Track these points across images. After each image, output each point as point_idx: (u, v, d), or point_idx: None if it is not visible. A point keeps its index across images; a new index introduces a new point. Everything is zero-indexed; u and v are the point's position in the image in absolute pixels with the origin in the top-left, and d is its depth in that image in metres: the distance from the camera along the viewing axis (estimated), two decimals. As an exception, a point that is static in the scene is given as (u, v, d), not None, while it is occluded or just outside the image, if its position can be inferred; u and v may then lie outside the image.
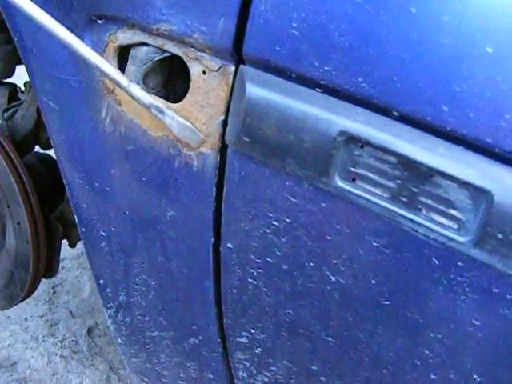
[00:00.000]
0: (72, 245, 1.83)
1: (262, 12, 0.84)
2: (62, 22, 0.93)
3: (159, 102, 0.96)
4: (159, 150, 1.02)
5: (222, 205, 0.98)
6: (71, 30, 0.93)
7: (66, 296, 2.47)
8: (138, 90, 0.95)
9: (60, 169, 1.21)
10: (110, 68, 0.93)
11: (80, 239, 1.75)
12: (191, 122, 0.96)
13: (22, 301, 1.73)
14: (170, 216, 1.06)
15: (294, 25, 0.81)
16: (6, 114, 1.78)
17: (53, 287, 2.56)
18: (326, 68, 0.80)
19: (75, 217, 1.24)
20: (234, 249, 1.00)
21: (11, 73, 1.97)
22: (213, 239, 1.03)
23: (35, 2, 0.93)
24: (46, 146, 1.83)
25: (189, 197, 1.02)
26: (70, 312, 2.43)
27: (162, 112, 0.96)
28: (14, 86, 2.00)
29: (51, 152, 1.81)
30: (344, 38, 0.78)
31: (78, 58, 1.05)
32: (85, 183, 1.16)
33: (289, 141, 0.84)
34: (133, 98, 0.95)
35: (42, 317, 2.42)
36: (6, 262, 1.67)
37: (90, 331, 2.38)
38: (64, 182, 1.21)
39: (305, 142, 0.83)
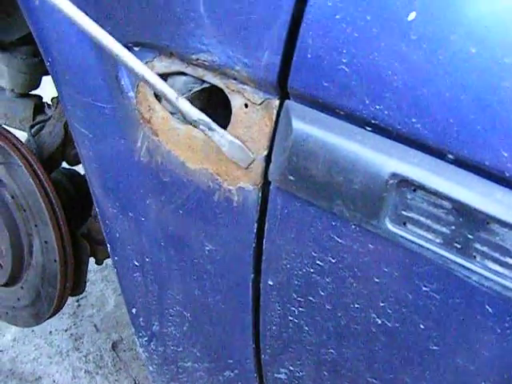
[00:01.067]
0: (99, 262, 1.81)
1: (309, 46, 0.80)
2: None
3: (210, 120, 0.90)
4: (198, 183, 0.99)
5: (264, 241, 0.95)
6: (108, 56, 0.91)
7: (91, 309, 2.46)
8: (186, 105, 0.89)
9: (92, 196, 1.18)
10: (158, 81, 0.89)
11: (107, 257, 1.73)
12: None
13: (48, 318, 1.72)
14: (208, 250, 1.03)
15: (344, 60, 0.78)
16: (32, 130, 1.77)
17: (77, 300, 2.55)
18: (377, 107, 0.77)
19: (108, 245, 1.21)
20: (274, 286, 0.97)
21: (37, 85, 1.97)
22: (253, 275, 1.00)
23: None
24: (73, 162, 1.81)
25: (228, 231, 0.99)
26: (95, 326, 2.42)
27: (211, 129, 0.90)
28: (40, 98, 1.99)
29: (77, 168, 1.80)
30: (398, 77, 0.75)
31: (112, 84, 1.03)
32: (118, 212, 1.14)
33: (337, 182, 0.81)
34: (181, 113, 0.90)
35: (66, 331, 2.41)
36: (33, 280, 1.66)
37: (114, 346, 2.37)
38: (97, 209, 1.18)
39: (354, 184, 0.80)
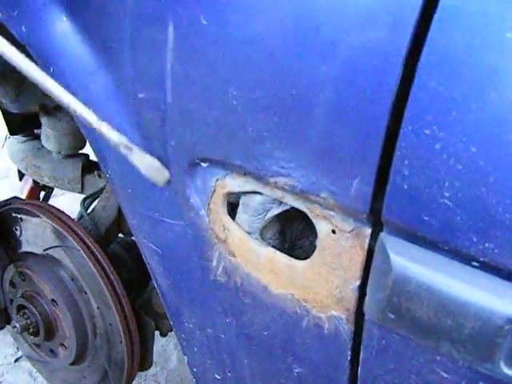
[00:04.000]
0: (163, 335, 1.77)
1: (405, 177, 0.73)
2: (164, 163, 0.92)
3: (127, 141, 0.90)
4: (283, 308, 0.92)
5: (359, 369, 0.88)
6: (174, 172, 0.91)
7: (154, 368, 2.37)
8: (105, 128, 0.90)
9: (167, 311, 1.12)
10: (80, 106, 0.89)
11: (171, 330, 1.69)
12: (321, 285, 0.86)
13: (117, 396, 1.67)
14: (297, 372, 0.97)
15: (447, 194, 0.71)
16: (85, 202, 1.72)
17: (140, 359, 2.47)
18: (486, 245, 0.69)
19: (185, 357, 1.16)
20: (374, 410, 0.91)
21: (83, 145, 1.93)
22: (348, 399, 0.94)
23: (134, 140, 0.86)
24: (130, 232, 1.77)
25: (319, 357, 0.92)
26: (160, 385, 2.37)
27: (130, 149, 0.90)
28: (87, 156, 1.96)
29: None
30: (510, 214, 0.67)
31: (180, 201, 0.97)
32: (195, 328, 1.08)
33: (445, 325, 0.74)
34: (103, 136, 0.90)
35: (133, 393, 2.35)
36: (99, 360, 1.62)
37: (181, 404, 2.31)
38: (172, 323, 1.13)
39: (464, 328, 0.73)
